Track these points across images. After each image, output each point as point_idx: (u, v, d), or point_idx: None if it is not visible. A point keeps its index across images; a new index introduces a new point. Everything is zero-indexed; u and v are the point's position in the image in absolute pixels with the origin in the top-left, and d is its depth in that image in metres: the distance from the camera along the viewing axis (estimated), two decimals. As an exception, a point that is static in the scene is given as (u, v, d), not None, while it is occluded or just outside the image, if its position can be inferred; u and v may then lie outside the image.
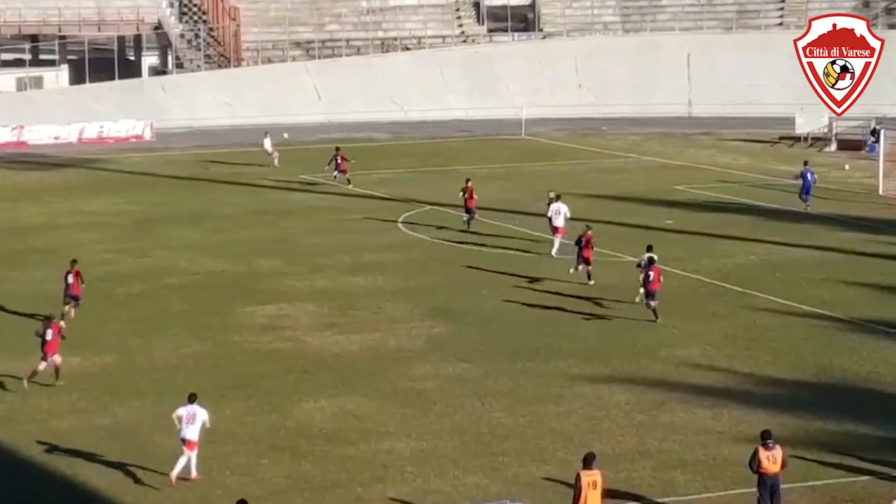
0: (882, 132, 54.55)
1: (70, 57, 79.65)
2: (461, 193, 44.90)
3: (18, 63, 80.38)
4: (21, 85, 76.75)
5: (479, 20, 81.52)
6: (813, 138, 64.97)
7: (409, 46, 78.78)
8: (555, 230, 40.08)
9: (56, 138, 67.11)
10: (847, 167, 57.73)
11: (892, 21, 78.54)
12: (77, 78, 76.72)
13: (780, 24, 79.92)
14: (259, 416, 26.48)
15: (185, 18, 78.55)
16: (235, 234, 44.54)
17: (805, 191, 47.53)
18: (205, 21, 78.29)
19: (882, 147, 53.30)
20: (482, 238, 43.05)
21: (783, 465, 21.48)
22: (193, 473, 23.36)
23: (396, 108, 74.52)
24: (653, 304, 32.91)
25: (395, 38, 78.71)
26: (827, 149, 63.56)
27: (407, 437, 25.27)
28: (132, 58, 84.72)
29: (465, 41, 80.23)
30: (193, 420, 23.36)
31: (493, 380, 28.74)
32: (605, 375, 28.98)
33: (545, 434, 25.51)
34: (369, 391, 28.03)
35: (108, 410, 26.88)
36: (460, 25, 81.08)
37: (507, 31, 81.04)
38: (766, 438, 21.56)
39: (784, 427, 25.18)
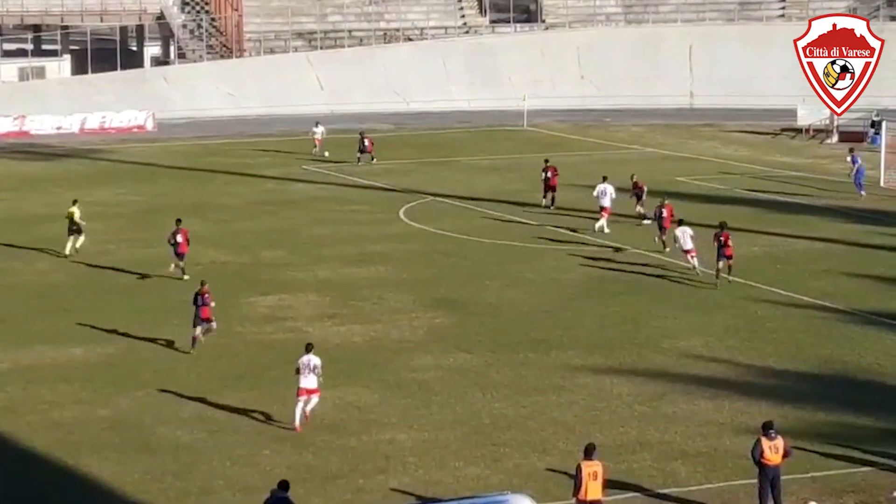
0: (883, 124, 54.59)
1: (72, 47, 79.65)
2: (543, 174, 46.15)
3: (21, 53, 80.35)
4: (23, 75, 76.76)
5: (481, 11, 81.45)
6: (814, 130, 64.94)
7: (411, 37, 78.74)
8: (602, 209, 41.99)
9: (58, 128, 67.12)
10: (848, 159, 57.67)
11: (893, 13, 78.46)
12: (79, 68, 76.72)
13: (782, 15, 79.86)
14: (261, 407, 26.52)
15: (188, 9, 78.50)
16: (238, 224, 44.57)
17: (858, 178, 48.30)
18: (207, 11, 78.26)
19: (883, 139, 53.32)
20: (485, 229, 43.08)
21: (786, 456, 21.54)
22: (297, 423, 25.14)
23: (399, 98, 74.50)
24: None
25: (398, 29, 78.66)
26: (828, 141, 63.55)
27: (408, 428, 25.33)
28: (134, 48, 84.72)
29: (467, 32, 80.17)
30: (312, 368, 25.32)
31: (495, 371, 28.79)
32: (607, 366, 29.03)
33: (546, 425, 25.57)
34: (371, 382, 28.09)
35: (110, 401, 26.94)
36: (463, 16, 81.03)
37: (509, 22, 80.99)
38: (768, 429, 21.65)
39: (785, 418, 25.24)
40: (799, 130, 65.50)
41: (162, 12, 78.19)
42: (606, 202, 42.38)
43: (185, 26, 77.71)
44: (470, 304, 34.04)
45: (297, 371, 25.51)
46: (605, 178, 43.45)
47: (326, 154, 57.47)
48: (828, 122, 64.31)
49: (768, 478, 21.48)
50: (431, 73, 75.56)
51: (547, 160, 48.01)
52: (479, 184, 51.63)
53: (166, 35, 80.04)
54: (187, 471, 23.43)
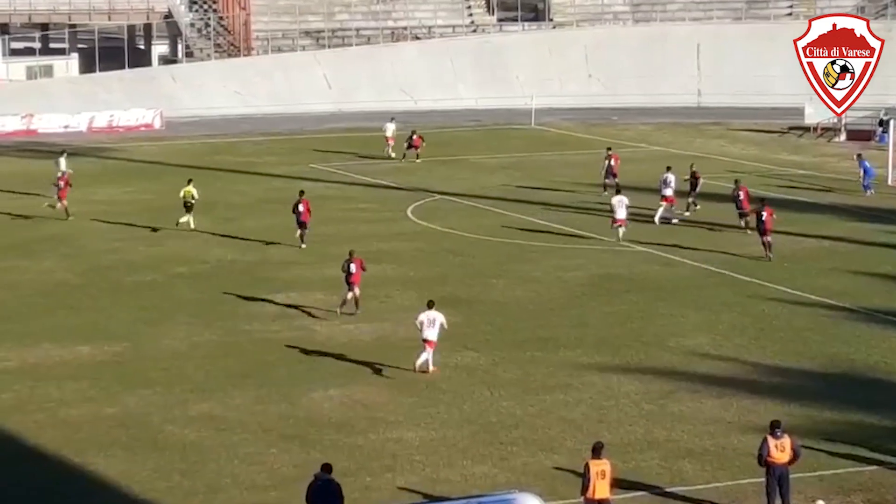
0: (891, 122, 54.50)
1: (80, 46, 79.78)
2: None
3: (29, 52, 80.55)
4: (31, 73, 76.91)
5: (489, 10, 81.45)
6: (822, 128, 64.86)
7: (419, 36, 78.75)
8: (663, 198, 43.53)
9: (66, 127, 67.21)
10: (857, 163, 57.63)
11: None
12: (87, 66, 76.83)
13: (790, 14, 79.76)
14: (268, 405, 26.56)
15: (196, 7, 78.58)
16: (245, 222, 44.60)
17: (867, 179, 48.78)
18: (215, 10, 78.34)
19: (891, 137, 53.24)
20: (491, 228, 43.08)
21: (795, 456, 21.51)
22: (431, 367, 28.17)
23: (406, 97, 74.50)
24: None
25: (405, 28, 78.67)
26: (836, 139, 63.48)
27: (416, 427, 25.34)
28: (142, 47, 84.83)
29: (475, 31, 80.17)
30: (434, 324, 28.20)
31: (502, 369, 28.80)
32: (614, 365, 29.02)
33: (554, 423, 25.56)
34: (378, 380, 28.10)
35: (117, 399, 26.97)
36: (470, 15, 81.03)
37: (517, 20, 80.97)
38: (774, 427, 21.63)
39: (792, 416, 25.22)
40: (806, 129, 65.42)
41: (170, 11, 78.27)
42: (669, 192, 43.65)
43: (192, 25, 77.78)
44: (477, 303, 34.05)
45: (420, 327, 28.25)
46: (668, 168, 44.52)
47: (393, 155, 56.85)
48: (835, 120, 64.23)
49: (775, 476, 21.47)
50: (439, 72, 75.57)
51: (609, 148, 50.41)
52: (487, 182, 51.64)
53: (174, 34, 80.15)
54: (195, 469, 23.46)
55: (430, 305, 28.70)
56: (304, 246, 39.86)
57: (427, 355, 28.26)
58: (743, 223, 42.07)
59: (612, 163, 48.98)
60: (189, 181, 43.96)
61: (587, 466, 20.67)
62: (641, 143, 61.98)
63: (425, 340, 28.27)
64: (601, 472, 20.62)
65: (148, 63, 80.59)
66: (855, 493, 22.47)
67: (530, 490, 20.41)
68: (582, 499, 20.80)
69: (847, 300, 34.19)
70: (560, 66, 76.34)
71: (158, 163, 57.42)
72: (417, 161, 55.86)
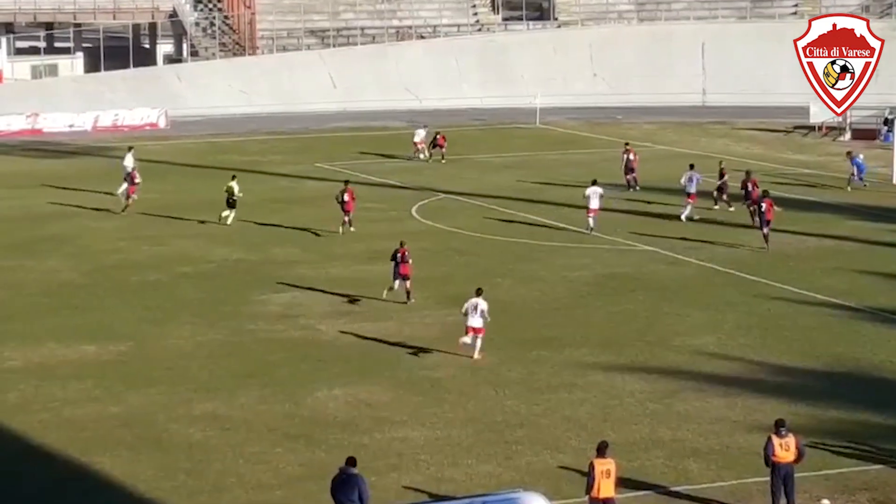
0: (896, 122, 54.48)
1: (85, 45, 79.79)
2: (623, 156, 47.83)
3: (33, 51, 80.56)
4: (36, 73, 76.92)
5: (493, 9, 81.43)
6: (827, 128, 64.78)
7: (423, 35, 78.73)
8: (688, 196, 43.74)
9: (71, 126, 67.24)
10: (861, 156, 57.59)
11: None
12: (92, 66, 76.86)
13: (795, 13, 79.66)
14: (273, 405, 26.56)
15: (200, 6, 78.60)
16: (249, 222, 44.57)
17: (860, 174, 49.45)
18: (220, 9, 78.35)
19: (896, 136, 53.23)
20: (497, 227, 43.06)
21: (800, 456, 21.49)
22: (476, 355, 28.93)
23: (411, 96, 74.48)
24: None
25: (410, 27, 78.65)
26: (841, 138, 63.40)
27: (420, 426, 25.33)
28: (147, 46, 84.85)
29: (479, 30, 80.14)
30: (476, 311, 28.90)
31: (507, 368, 28.78)
32: (619, 364, 29.01)
33: (559, 423, 25.55)
34: (383, 380, 28.09)
35: (121, 399, 26.97)
36: (475, 14, 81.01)
37: (521, 19, 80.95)
38: (779, 426, 21.63)
39: (797, 416, 25.19)
40: (811, 128, 65.35)
41: (175, 10, 78.29)
42: (692, 189, 43.80)
43: (197, 24, 77.80)
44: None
45: (465, 313, 28.98)
46: (692, 166, 44.74)
47: (422, 157, 56.72)
48: (840, 119, 64.16)
49: (780, 476, 21.46)
50: (444, 71, 75.55)
51: (627, 143, 50.71)
52: (492, 181, 51.62)
53: (179, 33, 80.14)
54: (199, 468, 23.46)
55: (479, 293, 29.40)
56: (345, 230, 41.67)
57: (468, 339, 29.06)
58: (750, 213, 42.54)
59: (631, 157, 49.47)
60: (233, 177, 44.93)
61: (592, 465, 20.66)
62: (646, 143, 61.90)
63: (468, 327, 29.11)
64: (606, 472, 20.61)
65: (153, 62, 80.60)
66: (860, 492, 22.45)
67: (535, 489, 20.40)
68: (587, 498, 20.79)
69: (852, 299, 34.15)
70: (565, 65, 76.30)
71: (163, 162, 57.42)
72: (443, 161, 55.68)
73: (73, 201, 48.20)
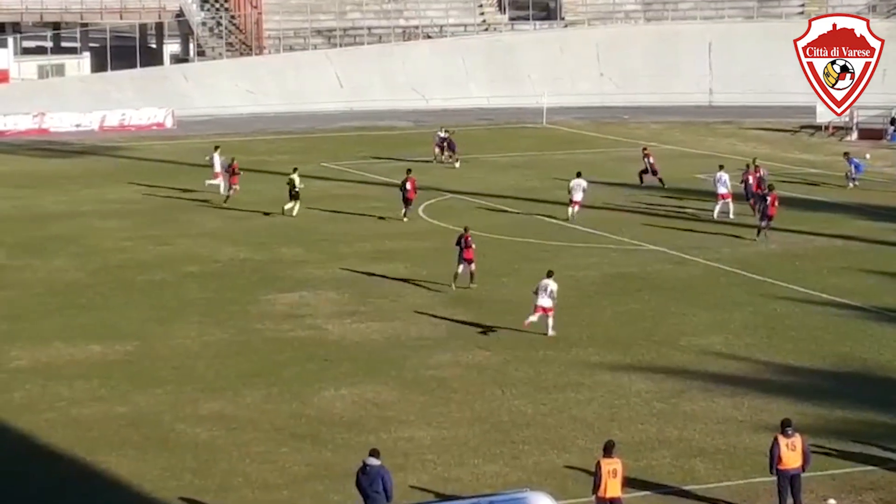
0: (903, 121, 54.42)
1: (92, 44, 79.86)
2: (644, 160, 48.08)
3: (40, 50, 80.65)
4: (43, 72, 77.00)
5: (500, 8, 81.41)
6: (834, 127, 64.71)
7: (430, 35, 78.72)
8: (719, 195, 43.94)
9: (77, 126, 67.30)
10: (868, 156, 57.44)
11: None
12: (99, 65, 76.92)
13: (801, 13, 79.54)
14: (280, 404, 26.57)
15: (207, 6, 78.64)
16: (256, 221, 44.63)
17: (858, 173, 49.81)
18: (227, 9, 78.39)
19: (903, 136, 53.19)
20: (503, 227, 43.06)
21: (806, 461, 21.44)
22: (550, 332, 30.53)
23: (418, 96, 74.49)
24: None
25: (417, 27, 78.66)
26: (848, 138, 63.33)
27: (427, 426, 25.32)
28: (154, 46, 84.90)
29: (486, 29, 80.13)
30: (546, 291, 30.59)
31: (514, 368, 28.77)
32: (626, 364, 28.99)
33: (565, 422, 25.54)
34: (389, 379, 28.09)
35: (128, 398, 26.99)
36: (482, 14, 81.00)
37: (528, 19, 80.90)
38: (785, 426, 21.60)
39: (804, 416, 25.17)
40: (818, 128, 65.27)
41: (181, 10, 78.33)
42: (724, 189, 44.00)
43: (204, 24, 77.84)
44: (489, 302, 34.02)
45: (535, 291, 30.65)
46: (721, 167, 45.17)
47: (442, 160, 55.78)
48: (847, 119, 64.10)
49: (787, 476, 21.43)
50: (450, 71, 75.54)
51: (645, 147, 51.18)
52: (498, 181, 51.60)
53: (186, 33, 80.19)
54: (206, 468, 23.47)
55: (549, 275, 31.03)
56: (409, 214, 43.49)
57: (535, 318, 30.59)
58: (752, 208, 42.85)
59: (651, 160, 49.47)
60: (294, 169, 45.94)
61: (598, 465, 20.65)
62: (653, 142, 61.81)
63: (537, 306, 30.69)
64: (612, 471, 20.60)
65: (159, 62, 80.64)
66: (866, 492, 22.42)
67: (542, 489, 20.39)
68: (593, 498, 20.78)
69: (859, 299, 34.10)
70: (571, 65, 76.26)
71: (170, 162, 57.47)
72: (456, 165, 54.81)
73: (79, 201, 48.25)
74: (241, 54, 76.60)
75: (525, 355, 29.54)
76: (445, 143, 56.02)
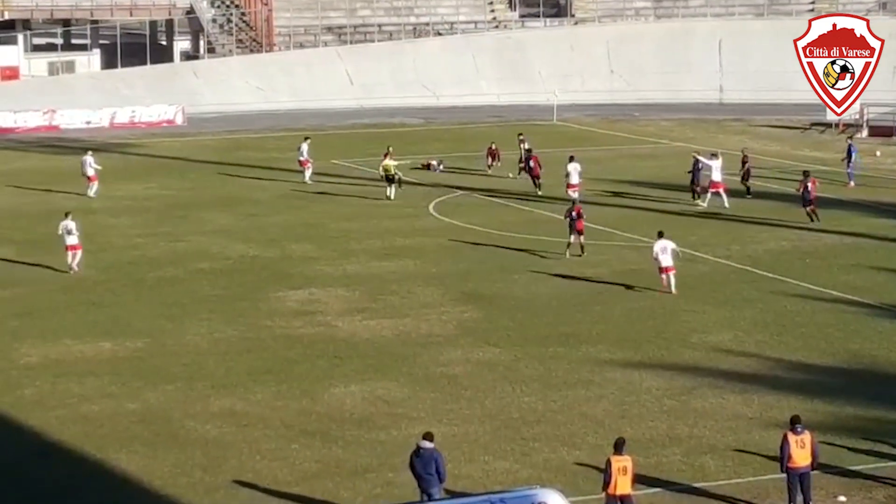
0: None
1: (102, 41, 79.97)
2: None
3: (50, 47, 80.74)
4: (53, 69, 77.13)
5: (511, 6, 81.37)
6: (844, 125, 64.57)
7: (440, 32, 78.71)
8: (711, 184, 44.96)
9: (88, 123, 67.40)
10: (878, 153, 57.42)
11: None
12: (109, 62, 77.03)
13: (812, 10, 79.39)
14: (290, 401, 26.60)
15: (217, 3, 78.72)
16: (267, 218, 44.67)
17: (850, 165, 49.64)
18: (237, 6, 78.45)
19: (914, 133, 53.07)
20: (514, 224, 43.05)
21: (814, 459, 21.42)
22: (674, 290, 33.71)
23: (428, 93, 74.48)
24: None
25: (427, 24, 78.65)
26: (858, 135, 63.09)
27: (437, 422, 25.31)
28: (164, 42, 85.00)
29: (496, 26, 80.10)
30: (666, 251, 34.05)
31: (524, 365, 28.77)
32: (636, 361, 28.97)
33: (575, 419, 25.54)
34: (400, 376, 28.11)
35: (138, 395, 27.03)
36: (492, 11, 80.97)
37: (539, 16, 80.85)
38: (794, 424, 21.60)
39: (814, 413, 25.14)
40: (829, 125, 65.11)
41: (192, 7, 78.42)
42: (717, 176, 45.00)
43: (214, 21, 77.91)
44: (499, 299, 34.03)
45: (655, 257, 34.08)
46: (713, 155, 46.23)
47: (511, 175, 52.16)
48: (857, 116, 63.99)
49: (796, 474, 21.41)
50: (461, 68, 75.51)
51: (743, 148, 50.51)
52: (508, 178, 51.54)
53: (196, 29, 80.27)
54: (216, 465, 23.50)
55: (661, 235, 34.42)
56: (540, 192, 46.26)
57: (665, 277, 33.86)
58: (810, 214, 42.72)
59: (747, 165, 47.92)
60: (386, 154, 47.91)
61: (609, 462, 20.65)
62: (663, 139, 61.84)
63: (662, 268, 33.89)
64: (623, 468, 20.60)
65: (170, 59, 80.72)
66: (877, 489, 22.39)
67: (552, 486, 20.39)
68: (603, 494, 20.78)
69: (869, 296, 34.05)
70: (582, 62, 76.20)
71: (180, 158, 57.54)
72: (489, 172, 52.42)
73: (90, 198, 48.26)
74: (252, 51, 76.67)
75: (535, 352, 29.55)
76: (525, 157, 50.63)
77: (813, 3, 79.82)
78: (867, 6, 78.54)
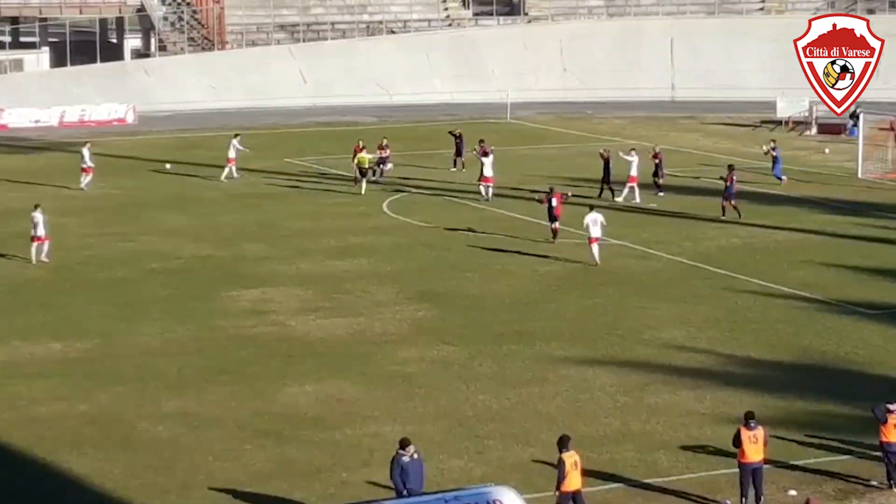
0: (861, 116, 54.71)
1: (51, 39, 79.28)
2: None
3: (-1, 45, 79.99)
4: (1, 68, 76.33)
5: (464, 4, 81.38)
6: (794, 122, 65.12)
7: (394, 30, 78.63)
8: (630, 177, 45.86)
9: (37, 122, 66.74)
10: (827, 151, 57.94)
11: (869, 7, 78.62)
12: (58, 61, 76.35)
13: (762, 8, 79.99)
14: (243, 402, 26.48)
15: (169, 1, 78.26)
16: (219, 218, 44.45)
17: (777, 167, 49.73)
18: (188, 3, 78.00)
19: (861, 131, 53.48)
20: (467, 221, 43.07)
21: (765, 446, 21.62)
22: (598, 261, 36.18)
23: (382, 91, 74.37)
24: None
25: (381, 22, 78.53)
26: (808, 132, 63.73)
27: (392, 421, 25.31)
28: (114, 40, 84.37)
29: (450, 25, 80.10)
30: (596, 223, 36.19)
31: (478, 363, 28.80)
32: (590, 358, 29.07)
33: (530, 417, 25.59)
34: (354, 375, 28.06)
35: (89, 397, 26.81)
36: (446, 9, 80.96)
37: (492, 14, 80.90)
38: (748, 419, 21.78)
39: (766, 407, 25.32)
40: (778, 122, 65.68)
41: (142, 4, 77.92)
42: (634, 171, 45.69)
43: (165, 18, 77.45)
44: (453, 297, 34.04)
45: (587, 229, 36.18)
46: (633, 150, 46.97)
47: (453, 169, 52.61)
48: (807, 114, 64.55)
49: (749, 468, 21.57)
50: (415, 66, 75.46)
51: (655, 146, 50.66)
52: (463, 176, 51.58)
53: (147, 27, 79.75)
54: (168, 466, 23.37)
55: (592, 208, 36.84)
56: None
57: (594, 249, 35.99)
58: (725, 208, 42.93)
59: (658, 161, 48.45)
60: (363, 148, 48.24)
61: (560, 460, 20.76)
62: (616, 137, 62.01)
63: (590, 238, 36.06)
64: (575, 463, 20.75)
65: (120, 57, 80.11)
66: (827, 482, 22.59)
67: (507, 483, 20.41)
68: (555, 493, 20.83)
69: (819, 292, 34.33)
70: (535, 60, 76.35)
71: (131, 157, 57.14)
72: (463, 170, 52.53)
73: (39, 198, 47.80)
74: (204, 49, 76.24)
75: (489, 350, 29.58)
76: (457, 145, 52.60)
77: (763, 2, 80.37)
78: (816, 5, 79.22)
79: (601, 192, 46.28)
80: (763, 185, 49.22)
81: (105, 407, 26.25)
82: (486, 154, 47.47)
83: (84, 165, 49.46)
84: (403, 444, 20.86)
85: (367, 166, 47.75)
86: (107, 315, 32.56)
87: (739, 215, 42.66)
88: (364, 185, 47.38)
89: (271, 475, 22.99)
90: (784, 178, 49.80)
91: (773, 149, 50.46)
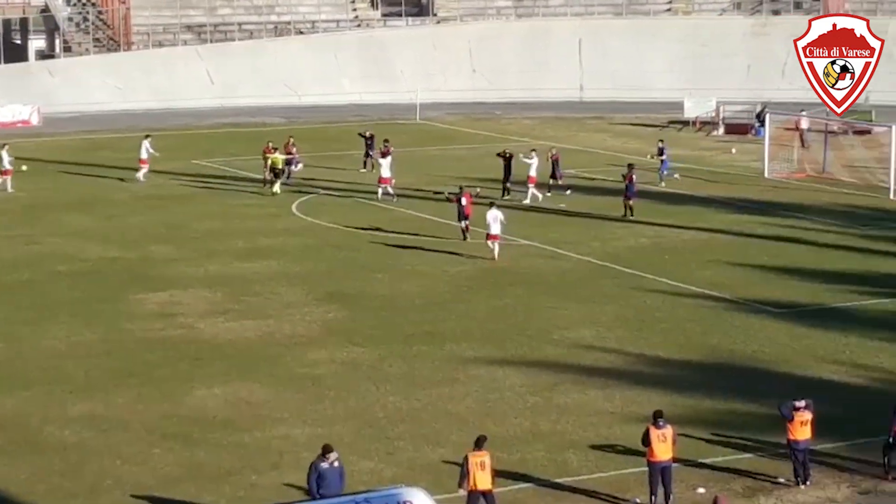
0: (767, 116, 55.57)
1: (-46, 40, 77.89)
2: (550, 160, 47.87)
3: None
4: None
5: (373, 5, 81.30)
6: (701, 122, 65.95)
7: (302, 31, 78.34)
8: (529, 178, 46.40)
9: (-61, 123, 65.55)
10: (734, 151, 58.76)
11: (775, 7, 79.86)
12: (-39, 61, 75.01)
13: (669, 10, 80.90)
14: (151, 405, 26.23)
15: (73, 1, 77.24)
16: (126, 220, 43.98)
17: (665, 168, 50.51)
18: (93, 4, 77.04)
19: (767, 131, 54.31)
20: (377, 222, 43.04)
21: (673, 444, 21.86)
22: (496, 257, 37.04)
23: (290, 92, 74.06)
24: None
25: (289, 23, 78.19)
26: (714, 133, 64.57)
27: (302, 423, 25.23)
28: (18, 41, 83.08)
29: (359, 25, 79.99)
30: (496, 220, 37.08)
31: (388, 364, 28.79)
32: (499, 358, 29.19)
33: (440, 417, 25.63)
34: (263, 377, 27.91)
35: (-5, 400, 26.42)
36: (354, 10, 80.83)
37: (401, 15, 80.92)
38: (657, 418, 21.99)
39: (674, 406, 25.59)
40: (685, 122, 66.47)
41: (47, 5, 76.82)
42: (532, 172, 46.35)
43: (70, 19, 76.42)
44: (363, 298, 34.00)
45: (488, 226, 36.91)
46: (533, 150, 47.85)
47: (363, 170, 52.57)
48: (713, 114, 65.44)
49: (658, 467, 21.79)
50: (323, 67, 75.24)
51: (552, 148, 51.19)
52: (372, 177, 51.51)
53: (51, 28, 78.62)
54: (75, 470, 23.08)
55: (492, 205, 37.52)
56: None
57: (492, 245, 36.93)
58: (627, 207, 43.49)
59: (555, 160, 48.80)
60: (275, 149, 48.53)
61: (465, 459, 20.88)
62: (525, 138, 62.33)
63: (489, 235, 36.87)
64: (481, 463, 20.84)
65: (24, 58, 78.88)
66: (735, 480, 22.89)
67: (417, 485, 20.43)
68: (463, 492, 20.90)
69: (727, 291, 34.78)
70: (444, 61, 76.52)
71: (36, 160, 56.25)
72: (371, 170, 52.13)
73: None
74: (109, 50, 75.34)
75: (399, 351, 29.59)
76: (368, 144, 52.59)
77: (670, 3, 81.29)
78: (722, 6, 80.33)
79: (504, 193, 46.44)
80: (670, 185, 49.79)
81: (10, 411, 25.85)
82: (384, 155, 47.71)
83: (2, 168, 48.68)
84: (326, 450, 20.70)
85: (280, 167, 47.92)
86: (12, 319, 32.07)
87: (631, 213, 43.09)
88: (278, 185, 47.38)
89: (180, 478, 22.80)
90: (676, 175, 50.39)
91: (661, 150, 51.00)
